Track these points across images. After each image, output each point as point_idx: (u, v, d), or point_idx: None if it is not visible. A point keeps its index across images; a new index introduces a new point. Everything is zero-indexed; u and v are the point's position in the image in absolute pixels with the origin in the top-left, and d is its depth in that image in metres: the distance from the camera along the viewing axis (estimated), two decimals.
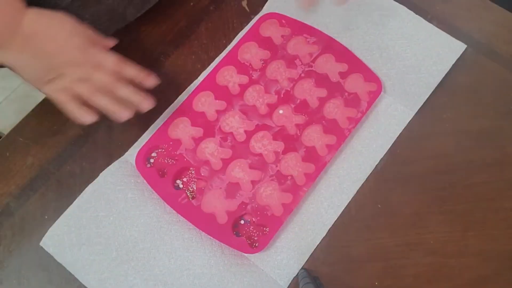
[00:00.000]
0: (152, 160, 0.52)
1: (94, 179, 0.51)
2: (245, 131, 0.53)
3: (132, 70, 0.45)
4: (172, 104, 0.55)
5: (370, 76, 0.54)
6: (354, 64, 0.55)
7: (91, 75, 0.44)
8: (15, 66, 0.44)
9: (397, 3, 0.58)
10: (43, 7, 0.44)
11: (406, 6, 0.58)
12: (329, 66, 0.55)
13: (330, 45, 0.56)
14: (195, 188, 0.51)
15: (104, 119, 0.54)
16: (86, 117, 0.44)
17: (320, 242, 0.49)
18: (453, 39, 0.57)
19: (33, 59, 0.43)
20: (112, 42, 0.47)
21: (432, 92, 0.55)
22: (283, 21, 0.57)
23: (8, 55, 0.43)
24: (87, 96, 0.44)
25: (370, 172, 0.52)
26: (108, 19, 0.53)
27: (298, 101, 0.54)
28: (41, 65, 0.43)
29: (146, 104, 0.46)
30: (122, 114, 0.45)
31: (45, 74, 0.43)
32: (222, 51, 0.57)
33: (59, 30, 0.43)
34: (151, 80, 0.46)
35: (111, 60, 0.44)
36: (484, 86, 0.56)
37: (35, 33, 0.42)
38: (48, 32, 0.42)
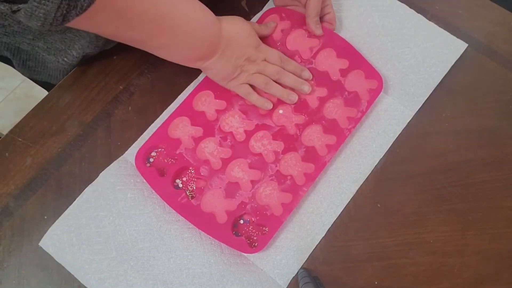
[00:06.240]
0: (151, 160, 0.52)
1: (93, 179, 0.51)
2: (245, 131, 0.53)
3: (292, 65, 0.54)
4: (172, 104, 0.55)
5: (371, 73, 0.54)
6: (355, 60, 0.55)
7: (264, 68, 0.52)
8: (211, 69, 0.51)
9: (397, 2, 0.58)
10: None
11: (406, 5, 0.58)
12: (330, 62, 0.55)
13: (330, 39, 0.56)
14: (194, 188, 0.51)
15: (103, 119, 0.54)
16: (267, 105, 0.52)
17: (319, 242, 0.50)
18: (454, 37, 0.57)
19: (226, 63, 0.50)
20: (272, 24, 0.55)
21: (432, 91, 0.55)
22: (283, 15, 0.56)
23: (210, 63, 0.50)
24: (264, 86, 0.52)
25: (369, 172, 0.52)
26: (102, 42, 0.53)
27: (298, 101, 0.54)
28: (230, 66, 0.50)
29: (306, 88, 0.53)
30: (293, 97, 0.53)
31: (232, 72, 0.51)
32: None
33: (241, 34, 0.50)
34: (305, 74, 0.54)
35: (277, 56, 0.53)
36: (483, 86, 0.56)
37: (230, 41, 0.49)
38: (236, 38, 0.50)
